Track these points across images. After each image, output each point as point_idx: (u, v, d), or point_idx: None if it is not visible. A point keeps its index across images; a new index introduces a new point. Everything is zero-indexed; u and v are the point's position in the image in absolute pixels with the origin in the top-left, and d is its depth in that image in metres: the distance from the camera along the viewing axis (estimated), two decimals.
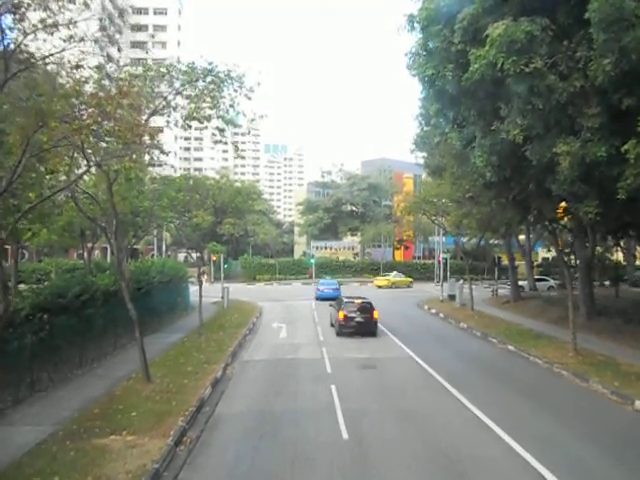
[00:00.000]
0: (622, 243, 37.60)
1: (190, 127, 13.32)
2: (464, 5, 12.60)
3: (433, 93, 14.86)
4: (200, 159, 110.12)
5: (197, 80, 12.40)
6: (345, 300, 21.90)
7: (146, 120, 11.20)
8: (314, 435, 9.26)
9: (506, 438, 9.09)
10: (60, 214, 17.41)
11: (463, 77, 12.59)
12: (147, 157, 14.32)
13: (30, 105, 8.25)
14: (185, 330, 19.99)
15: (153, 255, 49.41)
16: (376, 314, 20.74)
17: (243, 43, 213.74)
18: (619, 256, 44.45)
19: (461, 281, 33.54)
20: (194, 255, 27.59)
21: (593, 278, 27.00)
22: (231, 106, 12.85)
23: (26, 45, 8.23)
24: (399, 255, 69.02)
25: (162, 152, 13.89)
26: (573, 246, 23.51)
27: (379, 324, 22.17)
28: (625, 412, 10.93)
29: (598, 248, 30.13)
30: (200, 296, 20.20)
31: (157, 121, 14.21)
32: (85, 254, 25.23)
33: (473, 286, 29.58)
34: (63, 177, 12.33)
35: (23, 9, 7.52)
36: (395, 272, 50.79)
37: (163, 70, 12.44)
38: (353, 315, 20.45)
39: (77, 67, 8.68)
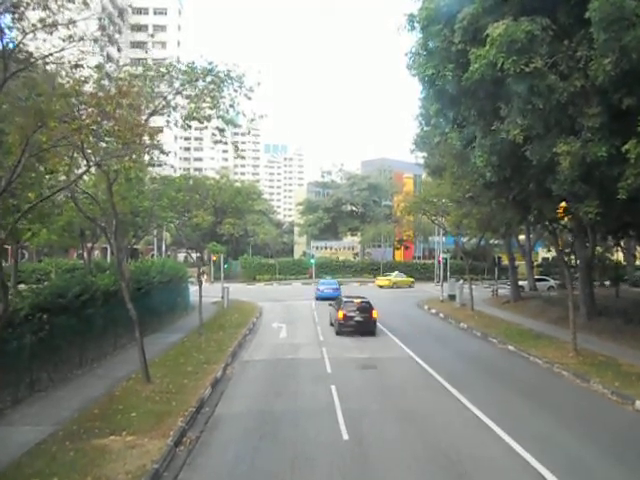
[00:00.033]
0: (622, 243, 37.59)
1: (190, 127, 13.32)
2: (464, 5, 12.58)
3: (433, 93, 14.84)
4: (200, 159, 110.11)
5: (197, 80, 12.39)
6: (344, 300, 22.11)
7: (146, 120, 11.19)
8: (314, 435, 9.24)
9: (506, 438, 9.07)
10: (60, 214, 17.42)
11: (463, 77, 12.57)
12: (147, 157, 14.30)
13: (29, 105, 8.23)
14: (185, 330, 19.97)
15: (153, 255, 49.41)
16: (375, 313, 20.92)
17: (243, 43, 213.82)
18: (619, 256, 44.45)
19: (461, 281, 33.53)
20: (194, 255, 27.56)
21: (593, 278, 26.98)
22: (231, 106, 12.86)
23: (25, 44, 8.22)
24: (399, 255, 69.00)
25: (162, 152, 13.90)
26: (573, 246, 23.48)
27: (379, 324, 22.27)
28: (626, 412, 10.91)
29: (598, 248, 30.13)
30: (200, 296, 20.18)
31: (157, 121, 14.21)
32: (85, 254, 25.22)
33: (473, 286, 29.57)
34: (63, 177, 12.32)
35: (22, 8, 7.50)
36: (397, 272, 50.79)
37: (163, 70, 12.43)
38: (352, 314, 20.63)
39: (76, 67, 8.67)
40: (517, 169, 14.44)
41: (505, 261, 40.22)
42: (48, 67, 9.25)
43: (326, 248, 72.10)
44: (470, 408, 10.91)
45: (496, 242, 43.10)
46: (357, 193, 70.10)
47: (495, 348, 18.57)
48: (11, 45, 7.93)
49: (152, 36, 76.65)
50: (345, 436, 9.16)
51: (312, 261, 55.58)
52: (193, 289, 26.03)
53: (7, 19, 7.85)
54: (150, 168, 20.02)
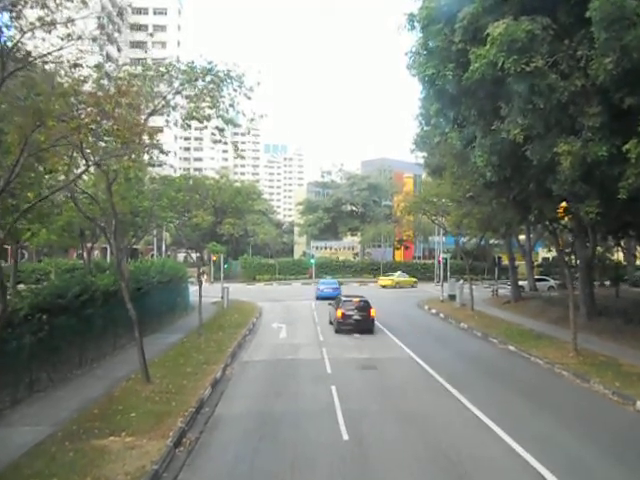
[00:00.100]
0: (622, 243, 37.57)
1: (190, 127, 13.30)
2: (464, 4, 12.55)
3: (433, 93, 14.80)
4: (200, 159, 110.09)
5: (196, 79, 12.36)
6: (343, 299, 22.53)
7: (145, 120, 11.15)
8: (314, 436, 9.21)
9: (506, 438, 9.05)
10: (59, 214, 17.39)
11: (463, 76, 12.53)
12: (146, 157, 14.27)
13: (28, 104, 8.19)
14: (185, 330, 19.94)
15: (153, 255, 49.39)
16: (373, 312, 21.35)
17: (243, 43, 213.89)
18: (619, 256, 44.43)
19: (461, 281, 33.50)
20: (194, 255, 27.54)
21: (593, 278, 26.95)
22: (231, 106, 12.82)
23: (22, 43, 8.18)
24: (399, 255, 68.97)
25: (161, 152, 13.86)
26: (574, 246, 23.47)
27: (379, 324, 22.37)
28: (626, 412, 10.89)
29: (598, 248, 30.10)
30: (200, 296, 20.15)
31: (157, 121, 14.17)
32: (85, 254, 25.19)
33: (473, 286, 29.53)
34: (62, 177, 12.28)
35: (20, 6, 7.47)
36: (399, 272, 50.78)
37: (162, 70, 12.39)
38: (351, 313, 21.06)
39: (75, 66, 8.64)
40: (517, 169, 14.41)
41: (505, 261, 40.20)
42: (47, 66, 9.21)
43: (326, 248, 72.07)
44: (470, 408, 10.88)
45: (496, 242, 43.08)
46: (357, 193, 70.07)
47: (495, 348, 18.54)
48: (9, 44, 7.89)
49: (151, 35, 76.52)
50: (345, 437, 9.13)
51: (312, 261, 55.56)
52: (193, 289, 26.00)
53: (5, 17, 7.83)
54: (150, 168, 20.00)
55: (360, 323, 20.86)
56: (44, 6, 7.64)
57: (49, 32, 8.04)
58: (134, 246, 27.36)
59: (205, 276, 38.51)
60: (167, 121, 13.33)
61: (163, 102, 12.41)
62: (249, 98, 12.96)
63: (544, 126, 12.31)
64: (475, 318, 24.77)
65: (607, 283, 37.67)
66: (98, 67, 11.11)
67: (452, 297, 32.58)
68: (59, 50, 8.31)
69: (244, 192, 25.11)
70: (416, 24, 13.97)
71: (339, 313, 21.13)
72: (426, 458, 8.31)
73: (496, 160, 13.93)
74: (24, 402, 10.68)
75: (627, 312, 21.74)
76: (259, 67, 13.66)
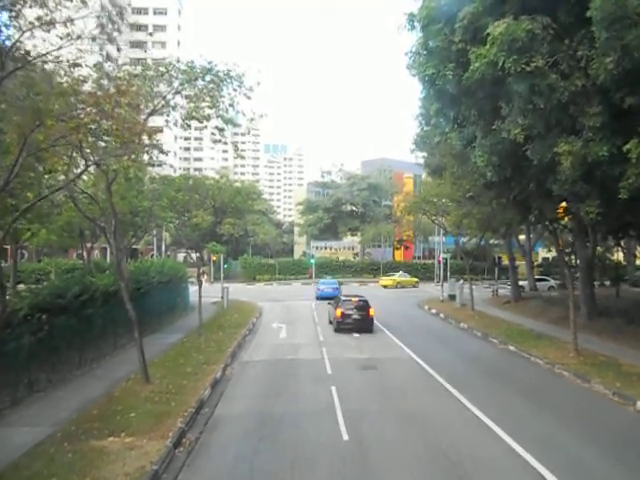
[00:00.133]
0: (622, 243, 37.56)
1: (189, 127, 13.29)
2: (464, 4, 12.52)
3: (433, 92, 14.78)
4: (200, 159, 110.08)
5: (196, 79, 12.35)
6: (343, 298, 22.77)
7: (145, 120, 11.13)
8: (314, 436, 9.19)
9: (506, 439, 9.04)
10: (59, 214, 17.38)
11: (464, 76, 12.51)
12: (146, 157, 14.25)
13: (27, 104, 8.17)
14: (184, 330, 19.92)
15: (153, 255, 49.37)
16: (372, 311, 21.56)
17: (243, 43, 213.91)
18: (619, 256, 44.42)
19: (461, 281, 33.49)
20: (194, 255, 27.49)
21: (594, 278, 26.93)
22: (231, 105, 12.81)
23: (21, 42, 8.15)
24: (399, 255, 68.97)
25: (161, 152, 13.84)
26: (574, 246, 23.47)
27: (380, 324, 22.40)
28: (627, 413, 10.87)
29: (599, 248, 30.08)
30: (200, 296, 20.14)
31: (156, 121, 14.16)
32: (84, 254, 25.19)
33: (473, 286, 29.51)
34: (62, 177, 12.25)
35: (19, 6, 7.44)
36: (401, 272, 50.85)
37: (162, 69, 12.38)
38: (350, 312, 21.26)
39: (74, 65, 8.61)
40: (518, 169, 14.39)
41: (505, 261, 40.18)
42: (46, 66, 9.19)
43: (326, 248, 72.07)
44: (470, 408, 10.87)
45: (496, 242, 43.07)
46: (357, 193, 70.06)
47: (496, 348, 18.52)
48: (8, 43, 7.87)
49: (151, 35, 76.50)
50: (345, 437, 9.12)
51: (312, 261, 55.57)
52: (193, 289, 25.98)
53: (4, 17, 7.81)
54: (150, 168, 19.97)
55: (359, 322, 21.08)
56: (43, 5, 7.62)
57: (48, 31, 8.02)
58: (134, 246, 27.34)
59: (205, 276, 38.50)
60: (167, 121, 13.32)
61: (163, 102, 12.40)
62: (249, 98, 12.96)
63: (544, 126, 12.29)
64: (475, 318, 24.75)
65: (607, 283, 37.67)
66: (97, 67, 11.09)
67: (452, 297, 32.57)
68: (58, 49, 8.30)
69: (244, 192, 25.03)
70: (416, 24, 13.94)
71: (338, 312, 21.33)
72: (426, 458, 8.30)
73: (496, 160, 13.91)
74: (23, 402, 10.67)
75: (628, 312, 21.72)
76: (259, 67, 13.70)
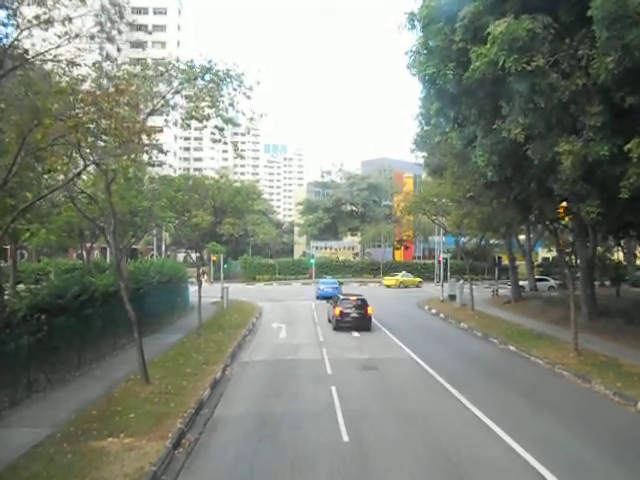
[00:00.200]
0: (623, 243, 37.53)
1: (189, 127, 13.26)
2: (465, 3, 12.50)
3: (434, 92, 14.75)
4: (200, 159, 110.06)
5: (196, 79, 12.31)
6: (341, 297, 23.06)
7: (144, 119, 11.10)
8: (314, 437, 9.16)
9: (507, 439, 9.02)
10: (59, 214, 17.34)
11: (464, 76, 12.49)
12: (146, 157, 14.23)
13: (25, 103, 8.13)
14: (184, 330, 19.89)
15: (152, 255, 49.33)
16: (370, 310, 21.88)
17: (243, 43, 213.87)
18: (619, 256, 44.39)
19: (461, 281, 33.47)
20: (194, 255, 27.47)
21: (594, 278, 26.91)
22: (230, 105, 12.78)
23: (19, 40, 8.12)
24: (399, 255, 68.94)
25: (161, 151, 13.81)
26: (574, 246, 23.43)
27: (380, 324, 22.43)
28: (628, 413, 10.84)
29: (599, 248, 30.05)
30: (199, 296, 20.11)
31: (156, 120, 14.12)
32: (84, 254, 25.15)
33: (473, 286, 29.48)
34: (61, 176, 12.22)
35: (17, 4, 7.41)
36: (404, 272, 51.00)
37: (162, 69, 12.34)
38: (349, 311, 21.61)
39: (73, 64, 8.57)
40: (518, 168, 14.37)
41: (505, 261, 40.15)
42: (45, 65, 9.15)
43: (326, 248, 72.08)
44: (470, 409, 10.84)
45: (496, 242, 43.06)
46: (357, 193, 70.04)
47: (496, 348, 18.50)
48: (5, 41, 7.84)
49: (150, 33, 76.33)
50: (345, 437, 9.09)
51: (312, 261, 55.55)
52: (193, 289, 25.95)
53: (2, 15, 7.77)
54: (149, 168, 19.94)
55: (357, 320, 21.43)
56: (41, 4, 7.58)
57: (46, 30, 7.98)
58: (133, 246, 27.28)
59: (205, 276, 38.52)
60: (166, 121, 13.29)
61: (162, 101, 12.37)
62: (249, 97, 12.94)
63: (545, 125, 12.26)
64: (475, 318, 24.73)
65: (607, 283, 37.65)
66: (96, 66, 11.05)
67: (452, 297, 32.56)
68: (57, 48, 8.26)
69: (244, 192, 24.97)
70: (416, 23, 13.92)
71: (337, 311, 21.63)
72: (426, 458, 8.28)
73: (497, 160, 13.89)
74: (23, 403, 10.63)
75: (628, 312, 21.69)
76: (259, 66, 13.70)
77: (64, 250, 41.04)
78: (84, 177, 15.56)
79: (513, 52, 11.05)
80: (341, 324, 21.39)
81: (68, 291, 13.12)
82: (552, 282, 40.15)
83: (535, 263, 46.17)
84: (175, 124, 13.34)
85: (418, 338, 20.20)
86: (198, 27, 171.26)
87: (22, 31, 7.79)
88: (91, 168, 12.32)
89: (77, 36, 8.20)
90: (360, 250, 71.32)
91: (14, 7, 7.42)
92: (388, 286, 46.44)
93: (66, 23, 8.01)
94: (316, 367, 14.83)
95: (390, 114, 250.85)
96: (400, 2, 15.44)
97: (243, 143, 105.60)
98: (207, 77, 12.36)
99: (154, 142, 11.94)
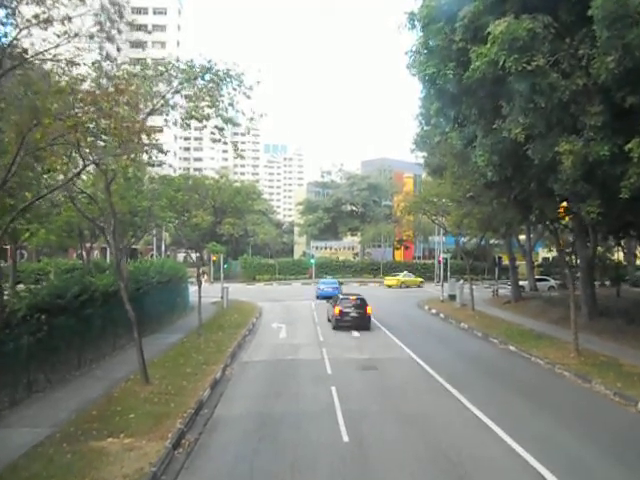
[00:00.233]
0: (623, 243, 37.51)
1: (189, 126, 13.24)
2: (465, 3, 12.48)
3: (434, 92, 14.74)
4: (200, 159, 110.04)
5: (196, 78, 12.29)
6: (341, 297, 23.23)
7: (144, 119, 11.08)
8: (314, 437, 9.15)
9: (507, 439, 9.01)
10: (58, 214, 17.33)
11: (464, 75, 12.47)
12: (145, 156, 14.22)
13: (25, 102, 8.12)
14: (184, 330, 19.88)
15: (152, 255, 49.32)
16: (369, 309, 22.00)
17: (243, 43, 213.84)
18: (619, 256, 44.39)
19: (461, 281, 33.45)
20: (193, 255, 27.47)
21: (594, 278, 26.91)
22: (230, 105, 12.76)
23: (18, 40, 8.10)
24: (399, 255, 68.94)
25: (160, 151, 13.79)
26: (574, 246, 23.42)
27: (380, 324, 22.45)
28: (628, 413, 10.83)
29: (599, 248, 30.04)
30: (199, 296, 20.10)
31: (156, 120, 14.10)
32: (84, 254, 25.14)
33: (473, 286, 29.47)
34: (61, 176, 12.21)
35: (15, 2, 7.39)
36: (405, 272, 51.06)
37: (161, 68, 12.32)
38: (348, 310, 21.75)
39: (72, 63, 8.56)
40: (518, 168, 14.35)
41: (505, 261, 40.15)
42: (44, 64, 9.13)
43: (326, 248, 72.09)
44: (470, 409, 10.83)
45: (496, 242, 43.05)
46: (357, 193, 70.04)
47: (496, 348, 18.48)
48: (4, 40, 7.83)
49: (150, 33, 76.33)
50: (345, 438, 9.07)
51: (312, 261, 55.55)
52: (193, 289, 25.93)
53: (0, 14, 7.75)
54: (149, 168, 19.93)
55: (357, 320, 21.56)
56: (40, 3, 7.56)
57: (45, 29, 7.96)
58: (133, 246, 27.27)
59: (205, 276, 38.51)
60: (166, 120, 13.27)
61: (162, 101, 12.35)
62: (249, 97, 12.91)
63: (545, 125, 12.25)
64: (475, 318, 24.71)
65: (607, 283, 37.65)
66: (96, 66, 11.03)
67: (452, 297, 32.55)
68: (56, 48, 8.24)
69: (244, 192, 24.98)
70: (416, 23, 13.90)
71: (337, 310, 21.74)
72: (426, 458, 8.26)
73: (497, 160, 13.87)
74: (22, 403, 10.62)
75: (628, 312, 21.68)
76: (258, 66, 13.65)
77: (64, 250, 41.04)
78: (84, 177, 15.54)
79: (513, 52, 11.03)
80: (341, 323, 21.51)
81: (68, 291, 13.11)
82: (552, 282, 40.15)
83: (535, 263, 46.16)
84: (175, 124, 13.31)
85: (418, 338, 20.19)
86: (198, 27, 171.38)
87: (21, 30, 7.76)
88: (91, 168, 12.30)
89: (76, 35, 8.18)
90: (360, 250, 71.32)
91: (13, 6, 7.40)
92: (389, 286, 46.43)
93: (65, 22, 7.99)
94: (316, 367, 14.82)
95: (390, 114, 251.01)
96: (400, 2, 15.44)
97: (243, 143, 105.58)
98: (207, 77, 12.34)
99: (154, 142, 11.91)
